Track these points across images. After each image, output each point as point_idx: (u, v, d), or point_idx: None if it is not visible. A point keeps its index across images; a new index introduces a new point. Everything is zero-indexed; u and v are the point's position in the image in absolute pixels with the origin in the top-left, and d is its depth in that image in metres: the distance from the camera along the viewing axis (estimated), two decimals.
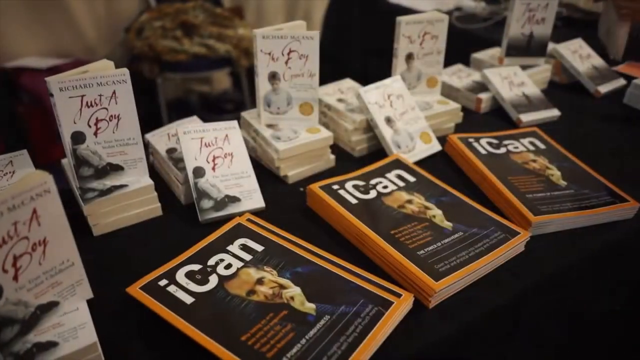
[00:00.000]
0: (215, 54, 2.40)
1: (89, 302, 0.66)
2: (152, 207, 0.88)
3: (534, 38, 1.36)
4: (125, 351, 0.64)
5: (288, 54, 0.96)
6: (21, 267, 0.56)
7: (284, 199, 0.95)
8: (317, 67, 0.98)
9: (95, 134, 0.82)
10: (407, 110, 1.09)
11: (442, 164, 1.06)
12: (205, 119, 1.00)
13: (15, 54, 2.34)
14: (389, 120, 1.05)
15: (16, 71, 2.25)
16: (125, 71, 0.79)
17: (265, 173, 1.01)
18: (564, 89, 1.43)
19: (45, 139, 2.13)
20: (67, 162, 0.88)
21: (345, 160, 1.07)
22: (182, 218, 0.89)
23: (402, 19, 1.10)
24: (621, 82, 1.42)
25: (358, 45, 2.45)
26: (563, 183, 0.95)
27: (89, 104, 0.79)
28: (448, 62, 1.39)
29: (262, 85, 0.99)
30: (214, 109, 2.88)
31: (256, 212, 0.89)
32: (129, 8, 2.58)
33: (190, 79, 2.88)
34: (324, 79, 1.20)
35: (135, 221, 0.87)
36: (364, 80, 1.11)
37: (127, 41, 2.50)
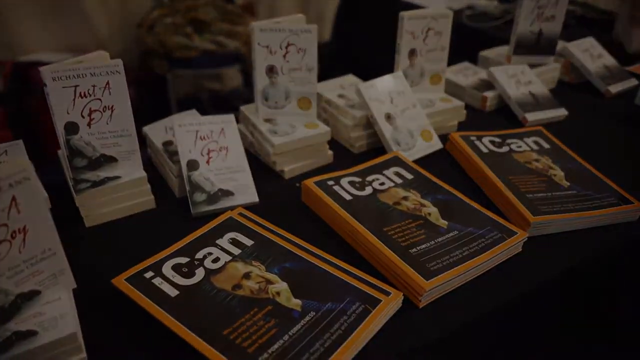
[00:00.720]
0: (224, 50, 2.40)
1: (79, 293, 0.65)
2: (145, 200, 0.87)
3: (543, 36, 1.33)
4: (108, 342, 0.64)
5: (286, 47, 0.95)
6: (0, 254, 0.55)
7: (280, 194, 0.93)
8: (316, 61, 0.96)
9: (89, 124, 0.82)
10: (408, 107, 1.07)
11: (444, 163, 1.04)
12: None
13: (29, 48, 2.37)
14: (389, 117, 1.04)
15: (29, 65, 2.27)
16: (119, 62, 0.79)
17: (263, 168, 1.00)
18: (573, 88, 1.40)
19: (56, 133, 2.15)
20: (62, 153, 0.88)
21: (344, 157, 1.05)
22: (175, 211, 0.88)
23: (404, 14, 1.08)
24: (633, 82, 1.38)
25: (370, 43, 2.43)
26: (566, 183, 0.92)
27: (83, 95, 0.79)
28: (459, 61, 1.37)
29: (260, 79, 0.98)
30: (225, 106, 2.88)
31: (250, 207, 0.88)
32: (142, 4, 2.59)
33: (201, 76, 2.88)
34: (335, 77, 1.19)
35: (128, 213, 0.86)
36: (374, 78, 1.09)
37: (138, 37, 2.52)
